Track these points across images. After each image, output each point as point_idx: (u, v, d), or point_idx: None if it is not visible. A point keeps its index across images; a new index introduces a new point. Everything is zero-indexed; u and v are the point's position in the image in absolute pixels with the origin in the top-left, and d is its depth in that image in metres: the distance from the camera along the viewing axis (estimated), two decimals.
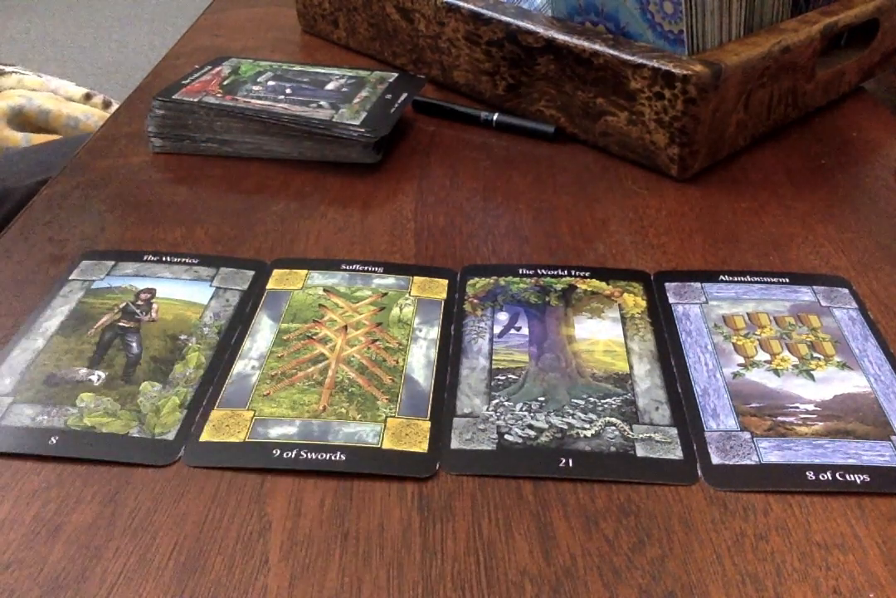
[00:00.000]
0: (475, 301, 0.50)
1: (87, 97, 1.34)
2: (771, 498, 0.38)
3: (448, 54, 0.72)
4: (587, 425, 0.42)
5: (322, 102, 0.65)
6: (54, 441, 0.40)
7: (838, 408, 0.43)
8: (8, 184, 0.86)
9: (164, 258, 0.53)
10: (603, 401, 0.43)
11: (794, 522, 0.37)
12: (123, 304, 0.49)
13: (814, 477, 0.39)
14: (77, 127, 1.26)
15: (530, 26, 0.64)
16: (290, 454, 0.40)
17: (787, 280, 0.52)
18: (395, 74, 0.72)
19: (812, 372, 0.45)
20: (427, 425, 0.42)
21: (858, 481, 0.39)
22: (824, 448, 0.40)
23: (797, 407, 0.43)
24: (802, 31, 0.63)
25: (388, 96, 0.67)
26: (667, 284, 0.51)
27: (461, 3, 0.68)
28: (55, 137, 1.24)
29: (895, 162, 0.65)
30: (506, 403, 0.43)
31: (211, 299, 0.50)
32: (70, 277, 0.51)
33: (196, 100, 0.64)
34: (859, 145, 0.67)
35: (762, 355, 0.46)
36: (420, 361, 0.46)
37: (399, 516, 0.37)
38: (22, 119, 1.25)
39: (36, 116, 1.25)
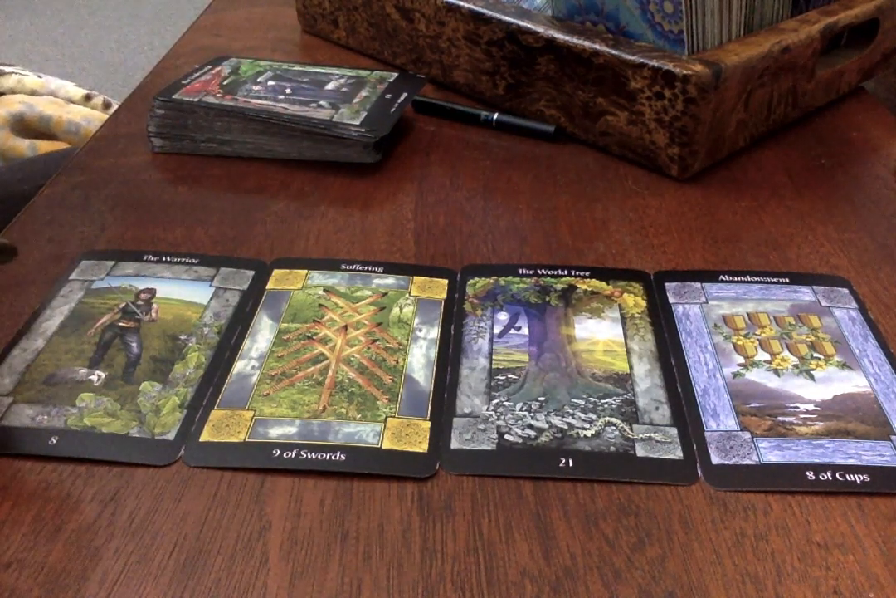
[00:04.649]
0: (475, 301, 0.50)
1: (87, 98, 1.34)
2: (771, 498, 0.38)
3: (448, 54, 0.72)
4: (587, 425, 0.42)
5: (322, 102, 0.65)
6: (54, 441, 0.40)
7: (838, 408, 0.43)
8: (9, 190, 0.86)
9: (164, 258, 0.53)
10: (603, 401, 0.43)
11: (794, 522, 0.37)
12: (123, 304, 0.49)
13: (814, 477, 0.39)
14: (79, 132, 1.26)
15: (530, 26, 0.64)
16: (290, 454, 0.40)
17: (787, 280, 0.52)
18: (395, 74, 0.72)
19: (812, 372, 0.45)
20: (427, 424, 0.42)
21: (858, 482, 0.39)
22: (824, 448, 0.40)
23: (797, 407, 0.43)
24: (802, 31, 0.63)
25: (388, 96, 0.67)
26: (667, 284, 0.51)
27: (461, 3, 0.68)
28: (61, 143, 1.24)
29: (895, 162, 0.65)
30: (506, 403, 0.43)
31: (211, 298, 0.50)
32: (70, 277, 0.51)
33: (196, 100, 0.64)
34: (859, 145, 0.67)
35: (762, 355, 0.46)
36: (420, 361, 0.46)
37: (399, 516, 0.37)
38: (23, 126, 1.25)
39: (38, 122, 1.25)
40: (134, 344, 0.46)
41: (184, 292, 0.50)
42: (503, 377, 0.44)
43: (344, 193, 0.61)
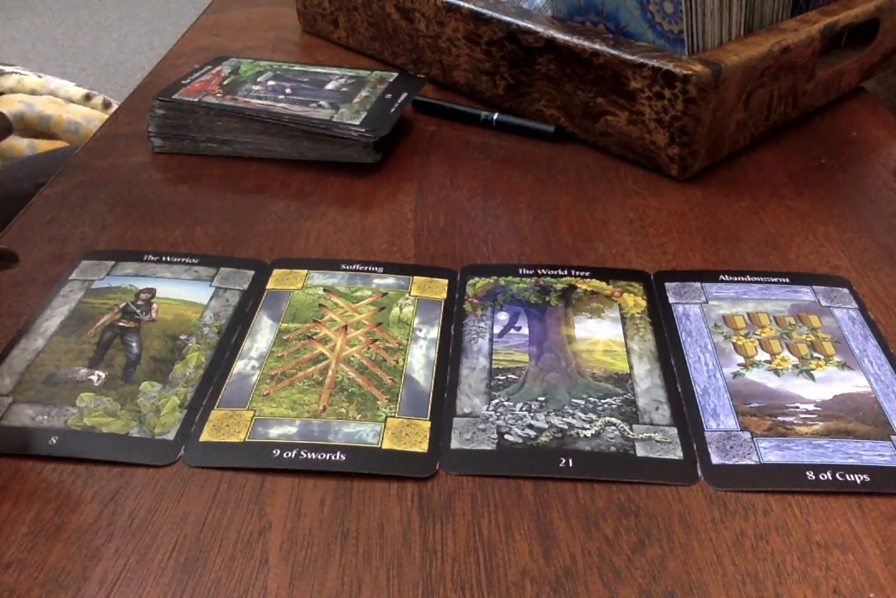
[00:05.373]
0: (475, 301, 0.50)
1: (87, 98, 1.34)
2: (771, 498, 0.38)
3: (448, 54, 0.72)
4: (587, 425, 0.42)
5: (322, 102, 0.65)
6: (54, 441, 0.40)
7: (838, 408, 0.43)
8: (8, 189, 0.86)
9: (164, 258, 0.53)
10: (603, 401, 0.43)
11: (794, 522, 0.37)
12: (123, 304, 0.49)
13: (814, 477, 0.39)
14: (78, 132, 1.26)
15: (530, 26, 0.64)
16: (290, 454, 0.40)
17: (787, 280, 0.52)
18: (395, 74, 0.72)
19: (812, 372, 0.45)
20: (427, 424, 0.42)
21: (858, 481, 0.39)
22: (824, 448, 0.40)
23: (797, 407, 0.43)
24: (802, 31, 0.63)
25: (388, 96, 0.67)
26: (667, 284, 0.51)
27: (461, 3, 0.68)
28: (60, 143, 1.25)
29: (895, 162, 0.65)
30: (506, 403, 0.43)
31: (211, 298, 0.50)
32: (70, 277, 0.51)
33: (196, 100, 0.64)
34: (859, 145, 0.67)
35: (762, 355, 0.46)
36: (420, 361, 0.46)
37: (399, 516, 0.37)
38: (23, 125, 1.25)
39: (37, 122, 1.25)
40: (134, 344, 0.46)
41: (184, 292, 0.50)
42: (503, 377, 0.44)
43: (344, 193, 0.61)
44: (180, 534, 0.36)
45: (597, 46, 0.61)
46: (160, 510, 0.37)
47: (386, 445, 0.40)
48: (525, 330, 0.48)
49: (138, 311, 0.49)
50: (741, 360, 0.46)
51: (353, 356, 0.46)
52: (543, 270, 0.52)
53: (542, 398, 0.43)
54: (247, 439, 0.41)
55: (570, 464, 0.39)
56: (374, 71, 0.72)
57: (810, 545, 0.36)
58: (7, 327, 0.48)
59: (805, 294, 0.50)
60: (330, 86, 0.69)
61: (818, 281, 0.52)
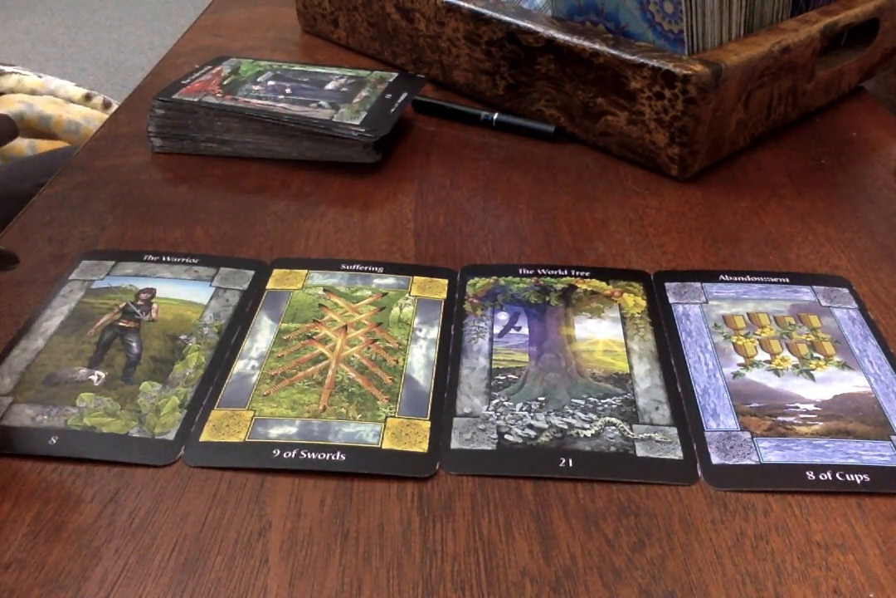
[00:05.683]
0: (475, 301, 0.50)
1: (87, 98, 1.34)
2: (771, 498, 0.38)
3: (448, 54, 0.72)
4: (587, 425, 0.42)
5: (322, 102, 0.65)
6: (54, 441, 0.40)
7: (838, 408, 0.43)
8: (9, 188, 0.86)
9: (164, 258, 0.53)
10: (603, 401, 0.43)
11: (794, 522, 0.37)
12: (123, 304, 0.49)
13: (814, 477, 0.39)
14: (78, 132, 1.26)
15: (530, 26, 0.64)
16: (290, 454, 0.40)
17: (787, 280, 0.52)
18: (395, 74, 0.72)
19: (812, 372, 0.45)
20: (427, 424, 0.42)
21: (858, 481, 0.39)
22: (824, 448, 0.40)
23: (797, 407, 0.43)
24: (802, 31, 0.63)
25: (388, 96, 0.67)
26: (667, 284, 0.51)
27: (461, 3, 0.68)
28: (60, 143, 1.25)
29: (895, 162, 0.65)
30: (506, 403, 0.43)
31: (211, 298, 0.50)
32: (70, 277, 0.51)
33: (196, 100, 0.64)
34: (859, 145, 0.67)
35: (762, 355, 0.46)
36: (420, 361, 0.46)
37: (399, 516, 0.37)
38: (23, 125, 1.25)
39: (38, 122, 1.25)
40: (134, 344, 0.46)
41: (184, 292, 0.50)
42: (503, 377, 0.44)
43: (344, 193, 0.61)
44: (180, 534, 0.36)
45: (597, 46, 0.61)
46: (160, 510, 0.37)
47: (386, 445, 0.40)
48: (525, 330, 0.48)
49: (138, 311, 0.49)
50: (741, 360, 0.46)
51: (353, 356, 0.46)
52: (543, 270, 0.52)
53: (542, 398, 0.43)
54: (247, 439, 0.41)
55: (570, 464, 0.39)
56: (374, 71, 0.72)
57: (810, 545, 0.36)
58: (7, 327, 0.48)
59: (805, 294, 0.50)
60: (330, 86, 0.69)
61: (818, 281, 0.52)
